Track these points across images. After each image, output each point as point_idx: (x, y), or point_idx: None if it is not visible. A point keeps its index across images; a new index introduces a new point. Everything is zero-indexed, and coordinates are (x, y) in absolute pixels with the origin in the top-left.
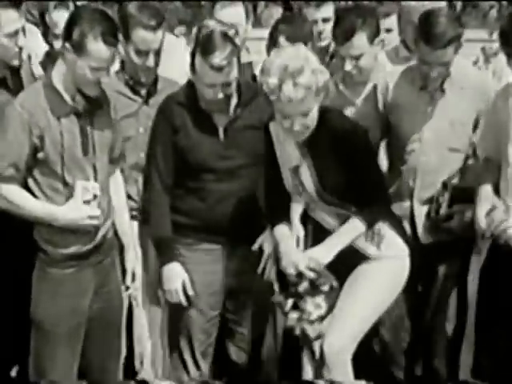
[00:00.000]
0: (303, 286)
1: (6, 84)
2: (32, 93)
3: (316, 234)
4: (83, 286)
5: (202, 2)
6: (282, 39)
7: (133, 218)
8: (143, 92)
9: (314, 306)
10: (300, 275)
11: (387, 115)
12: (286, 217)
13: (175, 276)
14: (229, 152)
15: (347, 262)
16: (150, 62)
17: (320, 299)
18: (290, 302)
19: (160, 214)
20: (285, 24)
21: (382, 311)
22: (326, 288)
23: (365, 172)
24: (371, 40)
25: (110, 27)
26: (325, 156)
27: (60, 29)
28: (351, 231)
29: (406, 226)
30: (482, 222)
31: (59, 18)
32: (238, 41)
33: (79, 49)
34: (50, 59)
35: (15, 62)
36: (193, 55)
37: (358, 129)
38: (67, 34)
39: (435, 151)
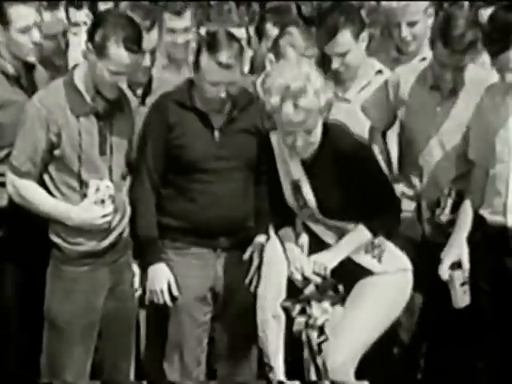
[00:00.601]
0: (309, 289)
1: (20, 83)
2: (52, 90)
3: (314, 246)
4: (98, 285)
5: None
6: (269, 25)
7: None
8: (139, 92)
9: (321, 310)
10: (306, 279)
11: (396, 109)
12: (289, 219)
13: (160, 276)
14: (223, 153)
15: (351, 276)
16: (146, 61)
17: (326, 304)
18: (299, 306)
19: (146, 213)
20: (271, 12)
21: (386, 326)
22: (332, 292)
23: (371, 187)
24: (356, 36)
25: (133, 33)
26: (328, 173)
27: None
28: (357, 238)
29: (415, 224)
30: (444, 273)
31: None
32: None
33: (100, 51)
34: None
35: (31, 59)
36: (197, 53)
37: (362, 146)
38: (90, 36)
39: (440, 153)
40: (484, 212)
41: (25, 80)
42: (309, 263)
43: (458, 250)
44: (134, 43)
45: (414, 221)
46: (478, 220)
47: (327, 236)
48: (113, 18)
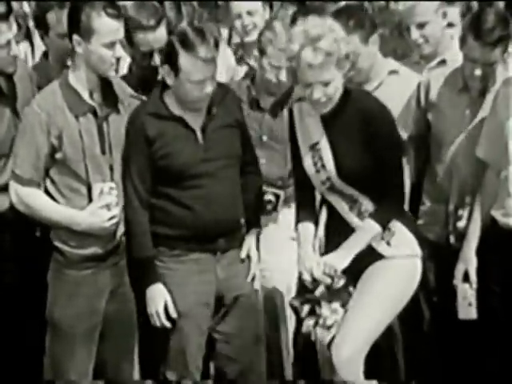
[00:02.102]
0: (319, 290)
1: (1, 90)
2: (49, 93)
3: (330, 220)
4: (100, 288)
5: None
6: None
7: None
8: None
9: (331, 311)
10: (316, 280)
11: (426, 112)
12: (311, 214)
13: (157, 298)
14: (209, 154)
15: (361, 259)
16: (156, 61)
17: (337, 304)
18: (307, 307)
19: (140, 233)
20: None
21: (395, 314)
22: (342, 293)
23: (387, 158)
24: (365, 40)
25: (109, 2)
26: (348, 133)
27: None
28: (366, 234)
29: (439, 229)
30: (458, 282)
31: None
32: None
33: (87, 32)
34: None
35: (10, 70)
36: (173, 57)
37: (386, 111)
38: (73, 27)
39: (469, 155)
40: (495, 213)
41: (6, 88)
42: (319, 264)
43: (466, 262)
44: (113, 9)
45: (440, 224)
46: (490, 221)
47: (340, 206)
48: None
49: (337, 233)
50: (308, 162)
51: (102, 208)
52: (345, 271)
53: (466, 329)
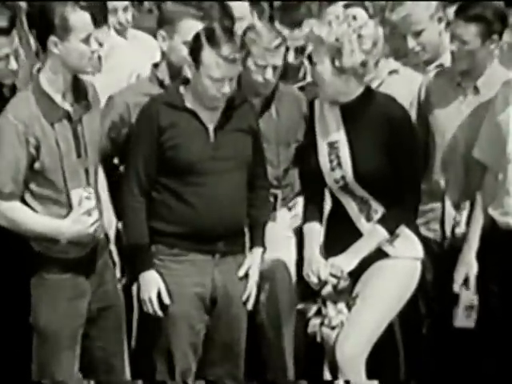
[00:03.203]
0: (326, 290)
1: (2, 94)
2: (23, 102)
3: (332, 218)
4: (81, 289)
5: None
6: (276, 23)
7: None
8: None
9: (336, 311)
10: (322, 282)
11: (426, 114)
12: (318, 213)
13: (150, 284)
14: (218, 153)
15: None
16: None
17: (342, 305)
18: (314, 308)
19: (136, 219)
20: (279, 10)
21: (394, 314)
22: (347, 293)
23: (406, 165)
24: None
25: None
26: (369, 135)
27: None
28: (374, 239)
29: (437, 227)
30: (457, 287)
31: None
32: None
33: (64, 31)
34: None
35: (7, 81)
36: (198, 49)
37: (410, 119)
38: (48, 28)
39: (466, 152)
40: (494, 213)
41: (8, 92)
42: (325, 266)
43: (466, 266)
44: (86, 3)
45: (436, 221)
46: (488, 220)
47: (350, 206)
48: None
49: (338, 231)
50: (324, 159)
51: (83, 215)
52: (350, 273)
53: (464, 329)
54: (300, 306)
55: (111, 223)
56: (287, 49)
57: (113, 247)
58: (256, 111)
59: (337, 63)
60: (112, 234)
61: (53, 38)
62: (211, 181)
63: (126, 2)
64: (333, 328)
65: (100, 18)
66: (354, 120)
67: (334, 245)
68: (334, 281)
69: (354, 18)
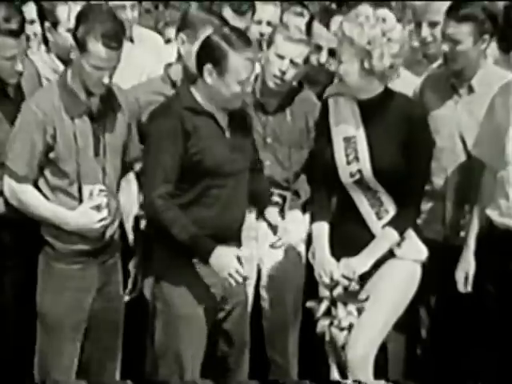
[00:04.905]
0: (337, 291)
1: (7, 93)
2: (47, 92)
3: (344, 215)
4: (87, 284)
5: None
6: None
7: None
8: None
9: (346, 312)
10: (333, 281)
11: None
12: (326, 212)
13: (227, 256)
14: (234, 155)
15: None
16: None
17: (352, 307)
18: (324, 307)
19: (176, 218)
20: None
21: (399, 315)
22: (358, 296)
23: (420, 164)
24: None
25: (112, 30)
26: (387, 132)
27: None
28: (386, 241)
29: (438, 227)
30: (460, 282)
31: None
32: None
33: (81, 46)
34: None
35: (11, 81)
36: (218, 57)
37: (425, 114)
38: (73, 31)
39: (463, 151)
40: (492, 213)
41: (12, 91)
42: (338, 268)
43: (466, 267)
44: (111, 39)
45: (437, 221)
46: (485, 221)
47: (361, 202)
48: (92, 13)
49: (345, 229)
50: (339, 154)
51: (92, 209)
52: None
53: (463, 329)
54: (309, 305)
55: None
56: (320, 48)
57: (135, 260)
58: (271, 110)
59: (366, 65)
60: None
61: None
62: (228, 182)
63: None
64: (342, 329)
65: None
66: (373, 116)
67: (340, 242)
68: (346, 282)
69: (384, 20)
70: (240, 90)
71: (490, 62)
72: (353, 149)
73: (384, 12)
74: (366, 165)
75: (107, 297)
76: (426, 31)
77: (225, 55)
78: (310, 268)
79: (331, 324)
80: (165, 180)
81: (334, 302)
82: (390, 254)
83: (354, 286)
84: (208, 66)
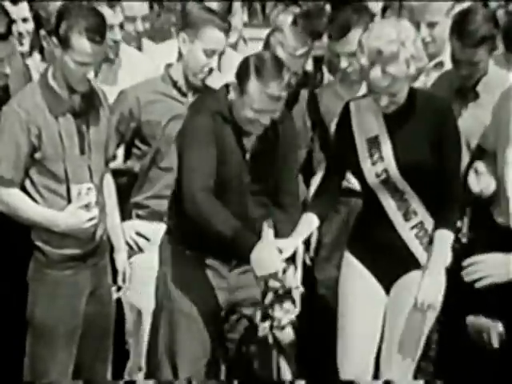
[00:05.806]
0: (268, 298)
1: None
2: (29, 92)
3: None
4: (80, 288)
5: None
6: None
7: None
8: (190, 94)
9: (284, 311)
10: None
11: None
12: (323, 210)
13: (269, 244)
14: (252, 174)
15: (396, 262)
16: (215, 62)
17: (288, 304)
18: (259, 313)
19: (220, 210)
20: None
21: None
22: (290, 293)
23: (452, 160)
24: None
25: (96, 24)
26: (413, 130)
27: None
28: (447, 243)
29: None
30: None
31: None
32: None
33: (65, 43)
34: None
35: (0, 83)
36: (242, 77)
37: (451, 107)
38: (55, 29)
39: (469, 156)
40: (494, 212)
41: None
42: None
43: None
44: (96, 33)
45: None
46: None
47: (388, 204)
48: (74, 9)
49: (370, 233)
50: (364, 155)
51: (81, 209)
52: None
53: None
54: (246, 313)
55: (116, 229)
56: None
57: (119, 255)
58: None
59: (391, 71)
60: (119, 243)
61: (55, 40)
62: (242, 200)
63: (146, 11)
64: (282, 328)
65: None
66: (397, 116)
67: (366, 246)
68: (277, 284)
69: (407, 31)
70: (253, 117)
71: (492, 63)
72: (377, 149)
73: (405, 23)
74: (391, 163)
75: (99, 299)
76: (424, 32)
77: (247, 78)
78: (310, 268)
79: (272, 326)
80: (207, 174)
81: (270, 305)
82: (414, 262)
83: (283, 289)
84: (234, 82)
